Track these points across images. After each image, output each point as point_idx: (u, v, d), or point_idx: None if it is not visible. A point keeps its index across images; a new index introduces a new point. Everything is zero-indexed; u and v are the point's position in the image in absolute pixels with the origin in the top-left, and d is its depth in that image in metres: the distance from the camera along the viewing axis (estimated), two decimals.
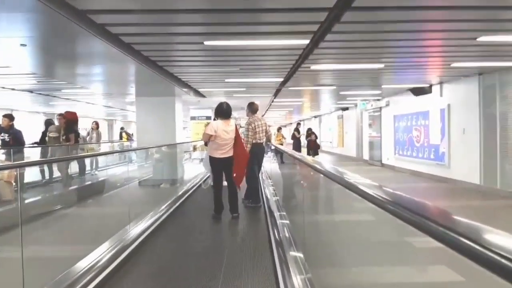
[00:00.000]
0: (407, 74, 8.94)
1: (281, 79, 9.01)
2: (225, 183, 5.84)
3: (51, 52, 5.95)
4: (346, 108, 20.02)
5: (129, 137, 15.37)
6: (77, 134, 8.03)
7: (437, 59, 7.39)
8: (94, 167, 8.90)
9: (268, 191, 7.65)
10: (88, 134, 12.08)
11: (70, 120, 8.02)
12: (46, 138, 8.57)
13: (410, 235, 1.27)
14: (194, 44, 5.30)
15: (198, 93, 11.89)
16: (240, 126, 13.39)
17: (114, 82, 9.00)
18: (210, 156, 5.81)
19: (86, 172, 7.92)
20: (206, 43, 5.16)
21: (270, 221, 5.21)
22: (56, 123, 9.24)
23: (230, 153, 5.70)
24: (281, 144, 14.65)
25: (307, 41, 5.23)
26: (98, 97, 14.09)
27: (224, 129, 5.59)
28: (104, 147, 12.44)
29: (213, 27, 4.66)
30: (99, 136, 11.89)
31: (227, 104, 5.84)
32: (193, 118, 17.65)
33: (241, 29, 4.75)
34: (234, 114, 22.18)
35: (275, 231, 4.61)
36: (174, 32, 4.86)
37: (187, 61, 6.71)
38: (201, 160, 12.64)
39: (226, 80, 9.05)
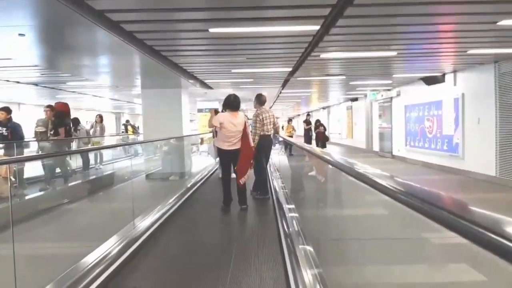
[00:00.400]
0: (419, 62, 8.62)
1: (290, 69, 8.75)
2: (233, 175, 5.83)
3: (51, 42, 5.77)
4: (355, 99, 19.67)
5: (135, 130, 15.08)
6: (69, 128, 7.37)
7: (452, 45, 7.06)
8: (99, 161, 8.74)
9: (276, 183, 7.59)
10: (92, 127, 11.87)
11: (59, 112, 7.20)
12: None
13: (427, 230, 1.22)
14: (199, 31, 5.06)
15: (205, 85, 11.67)
16: (248, 118, 13.30)
17: (119, 74, 8.80)
18: (218, 148, 5.87)
19: (91, 167, 7.75)
20: (211, 30, 4.93)
21: (278, 213, 5.15)
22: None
23: (238, 145, 5.68)
24: (291, 136, 14.42)
25: (317, 27, 4.97)
26: (105, 90, 13.95)
27: (231, 121, 5.57)
28: (109, 141, 12.28)
29: (218, 12, 4.42)
30: (103, 129, 11.68)
31: (235, 96, 5.80)
32: (200, 110, 17.44)
33: (247, 14, 4.49)
34: (242, 105, 21.96)
35: (284, 223, 4.51)
36: (177, 18, 4.63)
37: (192, 50, 6.48)
38: (208, 153, 12.53)
39: (233, 71, 8.81)
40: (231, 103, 5.69)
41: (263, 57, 7.18)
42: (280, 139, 10.53)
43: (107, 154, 9.38)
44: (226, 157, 5.78)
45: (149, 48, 6.03)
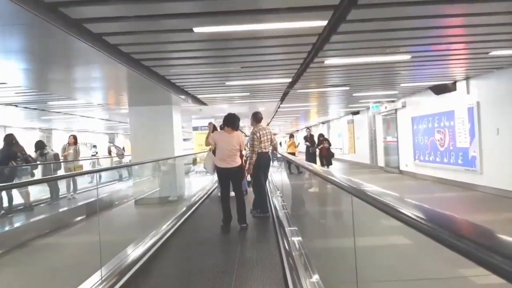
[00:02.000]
0: (431, 67, 7.76)
1: (289, 80, 7.92)
2: (232, 193, 5.86)
3: (23, 57, 4.93)
4: (357, 112, 18.88)
5: (119, 152, 14.00)
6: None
7: (470, 47, 6.21)
8: (72, 189, 7.76)
9: (276, 202, 7.38)
10: (64, 150, 10.38)
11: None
12: None
13: (465, 264, 0.86)
14: (182, 32, 4.21)
15: (198, 101, 10.84)
16: (245, 135, 12.65)
17: (98, 89, 7.90)
18: (216, 166, 5.84)
19: (62, 196, 6.80)
20: (196, 30, 4.08)
21: (279, 232, 4.99)
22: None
23: (236, 164, 5.73)
24: (293, 154, 13.38)
25: (324, 22, 4.13)
26: (94, 110, 13.11)
27: (226, 139, 5.67)
28: (85, 166, 11.09)
29: (204, 2, 3.54)
30: (77, 152, 10.36)
31: (234, 115, 5.91)
32: (195, 128, 16.61)
33: (240, 5, 3.64)
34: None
35: (286, 244, 4.28)
36: (155, 13, 3.78)
37: (178, 58, 5.63)
38: (206, 171, 11.69)
39: (227, 83, 7.98)
40: (229, 121, 5.80)
41: (260, 65, 6.33)
42: (279, 155, 10.39)
43: (83, 181, 8.42)
44: (224, 175, 5.80)
45: (126, 56, 5.19)
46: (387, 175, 14.62)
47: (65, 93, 8.20)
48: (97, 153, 16.31)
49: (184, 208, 7.56)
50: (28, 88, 7.70)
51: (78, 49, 4.41)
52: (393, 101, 14.43)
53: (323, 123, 26.77)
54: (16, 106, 11.09)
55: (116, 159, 13.16)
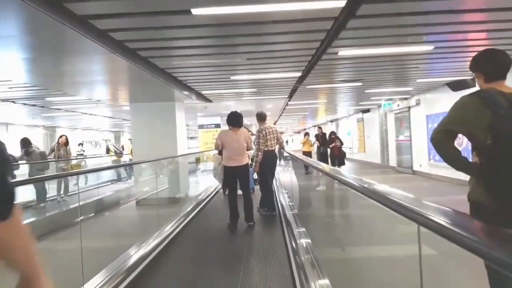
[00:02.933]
0: (452, 60, 7.11)
1: (299, 74, 7.38)
2: (239, 192, 5.87)
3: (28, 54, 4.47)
4: (367, 110, 18.27)
5: (117, 151, 13.44)
6: None
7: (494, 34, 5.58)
8: (62, 191, 7.27)
9: (283, 201, 7.29)
10: (53, 151, 9.70)
11: None
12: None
13: None
14: (180, 14, 3.69)
15: (202, 97, 10.34)
16: (252, 134, 12.27)
17: (92, 83, 7.36)
18: (224, 166, 5.89)
19: (51, 198, 6.33)
20: (194, 12, 3.56)
21: (287, 232, 4.90)
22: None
23: (243, 162, 5.78)
24: (309, 153, 12.73)
25: (342, 3, 3.59)
26: (98, 108, 12.68)
27: (233, 138, 5.72)
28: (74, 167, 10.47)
29: None
30: (68, 153, 9.74)
31: (237, 112, 5.92)
32: (201, 126, 16.13)
33: None
34: (245, 120, 20.60)
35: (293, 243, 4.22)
36: None
37: (177, 48, 5.11)
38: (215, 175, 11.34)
39: (232, 78, 7.46)
40: (232, 119, 5.83)
41: (268, 57, 5.80)
42: (285, 154, 10.51)
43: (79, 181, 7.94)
44: (232, 174, 5.79)
45: (119, 44, 4.69)
46: (399, 175, 14.01)
47: (57, 87, 7.72)
48: (84, 151, 15.51)
49: (188, 209, 7.13)
50: (22, 82, 7.26)
51: (64, 33, 3.91)
52: (406, 99, 13.82)
53: (331, 121, 26.16)
54: (14, 102, 10.69)
55: (114, 158, 12.66)
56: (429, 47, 5.71)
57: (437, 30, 4.93)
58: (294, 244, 4.27)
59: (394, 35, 4.95)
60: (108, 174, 9.02)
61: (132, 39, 4.60)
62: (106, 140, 13.14)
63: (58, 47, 4.56)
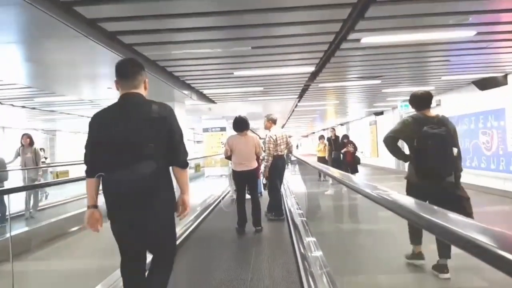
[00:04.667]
0: (494, 51, 6.19)
1: (312, 69, 6.46)
2: (248, 196, 5.85)
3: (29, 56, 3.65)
4: (381, 113, 17.30)
5: None
6: None
7: None
8: (32, 205, 6.32)
9: (292, 208, 7.09)
10: (18, 155, 7.88)
11: None
12: None
13: None
14: None
15: (204, 97, 9.47)
16: (260, 138, 11.65)
17: (71, 78, 6.43)
18: (232, 170, 6.03)
19: (17, 214, 5.42)
20: None
21: (296, 242, 4.65)
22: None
23: (252, 166, 5.75)
24: (324, 159, 11.56)
25: None
26: (96, 109, 11.85)
27: (242, 143, 5.70)
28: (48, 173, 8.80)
29: None
30: (36, 155, 7.78)
31: (241, 117, 5.87)
32: (205, 129, 15.33)
33: None
34: (252, 124, 19.69)
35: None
36: None
37: (168, 30, 4.22)
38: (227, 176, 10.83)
39: (236, 74, 6.58)
40: (236, 124, 5.82)
41: (276, 45, 4.87)
42: (293, 158, 10.56)
43: (52, 193, 6.99)
44: (240, 179, 5.84)
45: (99, 29, 3.82)
46: None
47: (39, 83, 6.87)
48: (46, 158, 13.22)
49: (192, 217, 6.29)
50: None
51: (38, 17, 3.07)
52: None
53: (341, 124, 25.21)
54: (12, 105, 9.93)
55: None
56: (470, 32, 4.76)
57: (483, 7, 4.00)
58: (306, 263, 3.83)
59: (433, 13, 4.01)
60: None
61: (110, 16, 3.72)
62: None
63: (35, 32, 3.72)
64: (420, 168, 3.57)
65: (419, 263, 3.66)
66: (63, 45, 4.10)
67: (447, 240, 0.95)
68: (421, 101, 3.79)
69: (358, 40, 4.72)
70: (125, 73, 2.30)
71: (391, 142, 3.78)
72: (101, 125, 2.24)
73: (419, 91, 3.86)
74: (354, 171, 10.67)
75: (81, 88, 7.10)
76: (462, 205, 3.41)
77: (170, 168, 2.34)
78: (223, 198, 9.57)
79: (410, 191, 3.70)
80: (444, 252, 3.36)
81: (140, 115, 2.21)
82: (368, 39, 4.73)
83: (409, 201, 1.29)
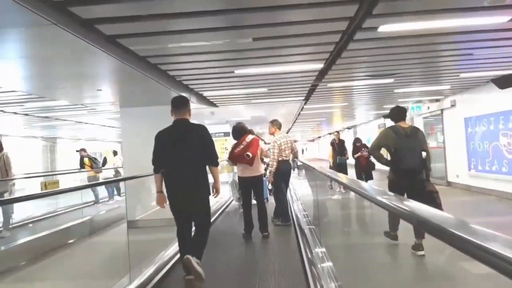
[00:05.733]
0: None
1: (320, 65, 5.86)
2: (254, 201, 5.89)
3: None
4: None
5: (93, 163, 11.33)
6: None
7: None
8: (1, 223, 5.66)
9: (299, 213, 7.15)
10: None
11: None
12: None
13: None
14: None
15: (205, 100, 8.90)
16: (264, 143, 11.26)
17: (56, 79, 5.88)
18: (238, 177, 6.04)
19: None
20: None
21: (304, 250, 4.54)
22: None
23: (258, 172, 5.84)
24: (332, 164, 10.52)
25: None
26: (95, 116, 11.32)
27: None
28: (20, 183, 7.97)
29: None
30: (5, 163, 6.91)
31: (237, 125, 6.01)
32: None
33: None
34: (256, 128, 19.08)
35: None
36: None
37: (154, 17, 3.63)
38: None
39: (237, 72, 5.99)
40: (233, 133, 6.07)
41: (281, 36, 4.27)
42: (299, 163, 10.89)
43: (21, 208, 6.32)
44: (245, 185, 5.89)
45: (84, 22, 3.24)
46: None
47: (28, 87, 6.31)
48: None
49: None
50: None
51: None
52: (437, 100, 12.18)
53: (348, 128, 24.56)
54: (3, 111, 9.41)
55: (91, 174, 10.85)
56: (504, 18, 4.14)
57: None
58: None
59: None
60: (78, 196, 7.44)
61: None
62: (80, 150, 10.81)
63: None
64: (398, 169, 4.51)
65: (393, 242, 4.44)
66: (33, 35, 3.53)
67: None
68: (398, 114, 4.82)
69: (375, 28, 4.12)
70: (178, 106, 3.74)
71: (376, 150, 4.82)
72: (164, 138, 3.62)
73: (396, 106, 4.97)
74: (369, 177, 9.95)
75: (68, 89, 6.52)
76: (432, 197, 4.27)
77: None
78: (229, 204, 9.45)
79: (391, 188, 4.52)
80: (418, 233, 4.05)
81: (187, 133, 3.63)
82: (386, 27, 4.12)
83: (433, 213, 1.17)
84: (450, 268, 3.81)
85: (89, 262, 4.88)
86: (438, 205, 4.16)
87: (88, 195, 8.15)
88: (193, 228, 3.78)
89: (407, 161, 4.39)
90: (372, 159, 8.96)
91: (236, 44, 4.47)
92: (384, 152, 4.90)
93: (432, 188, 4.40)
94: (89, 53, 4.09)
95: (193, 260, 3.50)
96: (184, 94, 7.33)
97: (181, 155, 3.51)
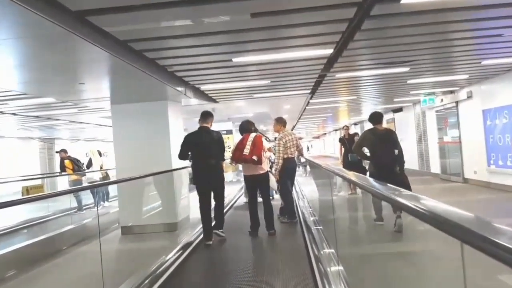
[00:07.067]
0: None
1: (330, 51, 5.16)
2: (260, 199, 5.97)
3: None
4: (400, 109, 15.91)
5: (74, 166, 10.45)
6: None
7: None
8: None
9: (305, 210, 7.20)
10: None
11: None
12: None
13: None
14: None
15: (202, 94, 8.23)
16: (269, 140, 10.81)
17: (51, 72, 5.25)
18: (244, 175, 6.15)
19: None
20: None
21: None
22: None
23: (262, 170, 5.89)
24: (342, 163, 9.84)
25: None
26: (91, 115, 10.69)
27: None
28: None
29: None
30: None
31: (245, 121, 6.16)
32: None
33: None
34: (260, 126, 18.43)
35: None
36: None
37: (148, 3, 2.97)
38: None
39: (235, 60, 5.32)
40: (240, 128, 6.17)
41: (284, 11, 3.59)
42: (302, 160, 11.47)
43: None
44: (251, 183, 6.00)
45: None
46: (447, 184, 11.54)
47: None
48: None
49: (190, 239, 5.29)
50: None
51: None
52: (451, 92, 11.44)
53: (355, 124, 23.84)
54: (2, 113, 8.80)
55: (73, 177, 10.10)
56: None
57: None
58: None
59: None
60: (60, 202, 6.80)
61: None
62: (60, 151, 9.98)
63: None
64: (377, 164, 5.67)
65: (379, 223, 4.30)
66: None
67: None
68: (376, 118, 5.91)
69: (398, 2, 3.42)
70: (204, 116, 5.72)
71: (358, 148, 6.05)
72: (192, 139, 5.56)
73: (375, 111, 6.03)
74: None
75: (49, 83, 5.86)
76: (404, 184, 5.26)
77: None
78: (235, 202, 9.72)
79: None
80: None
81: (208, 137, 5.56)
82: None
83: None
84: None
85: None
86: (408, 187, 5.19)
87: (68, 202, 7.47)
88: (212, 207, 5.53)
89: (382, 158, 5.55)
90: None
91: (232, 22, 3.77)
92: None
93: (405, 180, 5.55)
94: (57, 35, 3.43)
95: (219, 231, 5.69)
96: (179, 88, 6.70)
97: (207, 151, 5.45)
